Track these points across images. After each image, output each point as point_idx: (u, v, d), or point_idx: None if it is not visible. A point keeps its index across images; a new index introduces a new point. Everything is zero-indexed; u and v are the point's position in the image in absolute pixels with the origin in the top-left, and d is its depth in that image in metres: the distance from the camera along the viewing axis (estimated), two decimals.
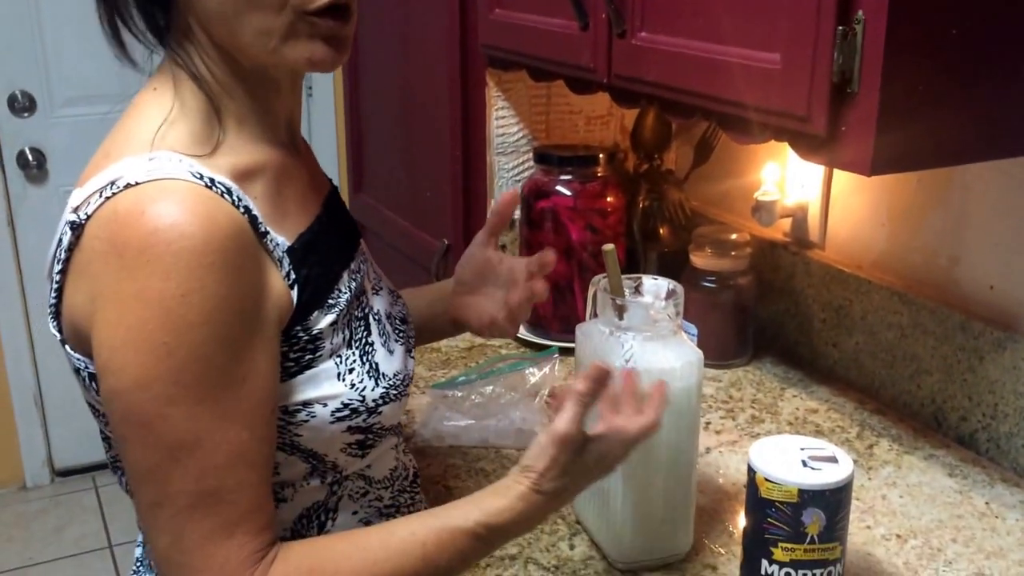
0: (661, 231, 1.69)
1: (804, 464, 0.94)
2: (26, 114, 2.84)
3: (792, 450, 0.97)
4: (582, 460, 0.86)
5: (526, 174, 1.75)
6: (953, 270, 1.31)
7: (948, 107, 0.92)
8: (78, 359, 0.82)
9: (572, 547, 1.09)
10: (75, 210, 0.79)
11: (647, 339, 0.98)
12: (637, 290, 1.04)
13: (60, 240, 0.80)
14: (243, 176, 0.82)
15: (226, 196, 0.78)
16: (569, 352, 1.54)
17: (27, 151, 2.85)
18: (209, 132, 0.83)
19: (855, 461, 1.23)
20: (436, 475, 1.23)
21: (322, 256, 0.88)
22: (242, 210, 0.79)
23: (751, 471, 0.96)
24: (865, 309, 1.42)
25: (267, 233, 0.81)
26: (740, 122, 1.04)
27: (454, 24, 1.70)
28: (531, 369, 1.39)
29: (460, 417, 1.30)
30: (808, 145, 0.97)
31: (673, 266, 1.59)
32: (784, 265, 1.55)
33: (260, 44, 0.81)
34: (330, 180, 1.04)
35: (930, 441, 1.31)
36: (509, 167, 1.76)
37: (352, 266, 0.94)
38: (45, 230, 2.92)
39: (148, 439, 0.75)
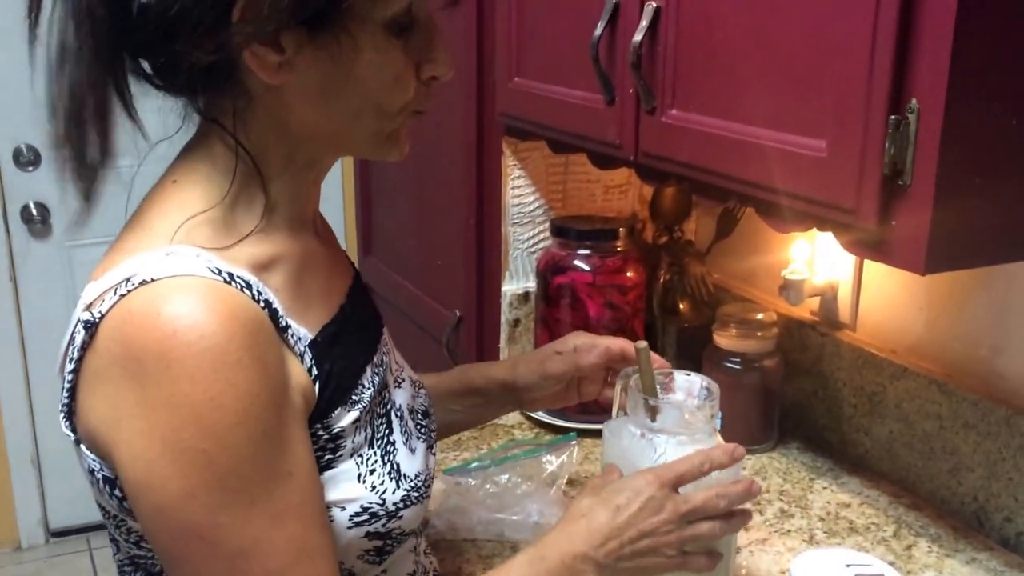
0: (681, 306, 1.63)
1: None
2: (31, 168, 2.79)
3: (836, 566, 0.90)
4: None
5: (541, 245, 1.69)
6: (995, 361, 1.24)
7: (1007, 201, 0.86)
8: (93, 460, 0.77)
9: None
10: (88, 307, 0.74)
11: (681, 443, 0.91)
12: (667, 386, 0.97)
13: (73, 338, 0.74)
14: (262, 267, 0.78)
15: (245, 291, 0.74)
16: (587, 435, 1.47)
17: (31, 205, 2.81)
18: (233, 223, 0.79)
19: (891, 563, 1.16)
20: (449, 572, 1.16)
21: (346, 349, 0.84)
22: (262, 304, 0.75)
23: None
24: (900, 396, 1.35)
25: (288, 327, 0.77)
26: (779, 209, 0.98)
27: (471, 91, 1.66)
28: (548, 456, 1.32)
29: (475, 508, 1.23)
30: (854, 238, 0.91)
31: (694, 342, 1.52)
32: (812, 346, 1.49)
33: (370, 144, 0.81)
34: (353, 265, 0.99)
35: (972, 543, 1.23)
36: (524, 237, 1.70)
37: (375, 359, 0.89)
38: (48, 286, 2.88)
39: (205, 552, 0.70)
